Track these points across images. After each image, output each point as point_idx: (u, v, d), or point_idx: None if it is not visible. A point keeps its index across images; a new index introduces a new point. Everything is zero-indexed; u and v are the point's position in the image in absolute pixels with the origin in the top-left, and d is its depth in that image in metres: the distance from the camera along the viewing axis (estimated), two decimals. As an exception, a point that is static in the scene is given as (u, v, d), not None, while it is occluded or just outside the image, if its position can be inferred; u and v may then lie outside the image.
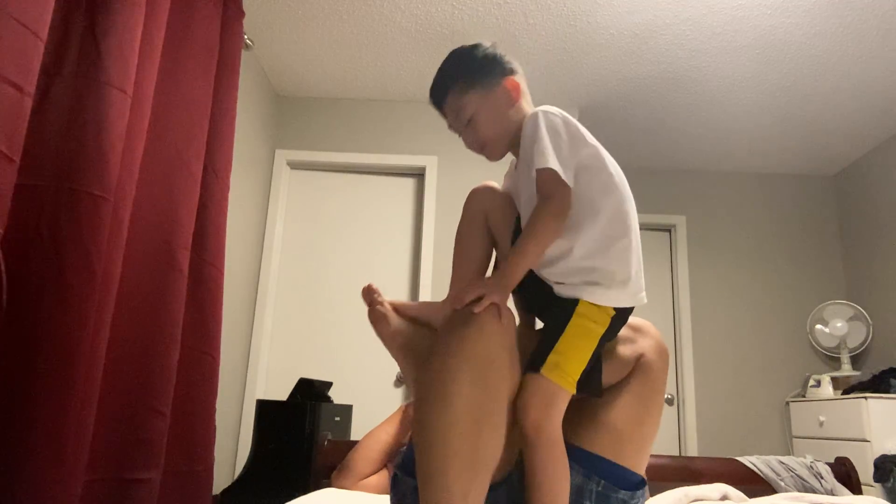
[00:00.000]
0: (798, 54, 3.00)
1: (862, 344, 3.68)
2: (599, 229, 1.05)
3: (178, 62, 1.90)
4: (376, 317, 1.07)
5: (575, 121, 1.10)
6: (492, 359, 0.91)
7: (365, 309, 1.12)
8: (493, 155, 1.18)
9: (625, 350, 1.12)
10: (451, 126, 1.19)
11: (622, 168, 1.14)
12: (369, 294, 1.08)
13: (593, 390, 1.05)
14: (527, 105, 1.18)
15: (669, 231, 4.26)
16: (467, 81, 1.13)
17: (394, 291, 3.46)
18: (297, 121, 3.65)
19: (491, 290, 0.96)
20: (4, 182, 1.19)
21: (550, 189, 1.02)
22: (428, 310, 1.10)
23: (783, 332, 4.01)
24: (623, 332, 1.13)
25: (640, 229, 1.11)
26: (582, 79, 3.33)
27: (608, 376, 1.10)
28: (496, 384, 0.91)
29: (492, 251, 1.18)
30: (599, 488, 1.03)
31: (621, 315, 1.07)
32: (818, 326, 3.80)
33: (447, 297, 1.11)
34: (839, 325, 3.71)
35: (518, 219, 1.13)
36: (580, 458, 1.04)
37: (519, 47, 3.08)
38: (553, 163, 1.02)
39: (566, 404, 0.99)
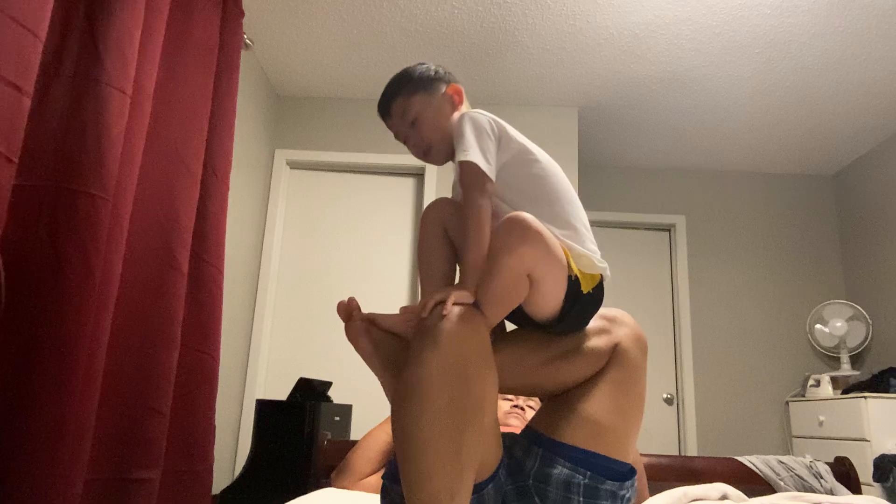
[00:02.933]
0: (798, 54, 3.00)
1: (861, 344, 3.68)
2: (543, 216, 1.06)
3: (177, 62, 1.90)
4: (353, 334, 1.06)
5: (501, 121, 1.16)
6: (466, 358, 0.90)
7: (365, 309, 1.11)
8: (436, 159, 1.23)
9: (600, 340, 1.11)
10: (397, 134, 1.23)
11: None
12: (347, 309, 1.06)
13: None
14: None
15: (669, 231, 4.24)
16: (412, 88, 1.20)
17: (393, 291, 3.46)
18: (296, 121, 3.65)
19: (453, 290, 0.96)
20: (3, 183, 1.18)
21: (468, 178, 1.06)
22: (403, 319, 1.09)
23: (783, 332, 4.01)
24: (597, 322, 1.13)
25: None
26: (581, 78, 3.33)
27: (584, 368, 1.10)
28: (473, 383, 0.90)
29: (455, 261, 1.19)
30: (586, 480, 1.02)
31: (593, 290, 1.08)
32: (818, 326, 3.80)
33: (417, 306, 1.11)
34: (839, 324, 3.71)
35: None
36: (563, 452, 1.04)
37: (519, 47, 3.08)
38: (473, 156, 1.06)
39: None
